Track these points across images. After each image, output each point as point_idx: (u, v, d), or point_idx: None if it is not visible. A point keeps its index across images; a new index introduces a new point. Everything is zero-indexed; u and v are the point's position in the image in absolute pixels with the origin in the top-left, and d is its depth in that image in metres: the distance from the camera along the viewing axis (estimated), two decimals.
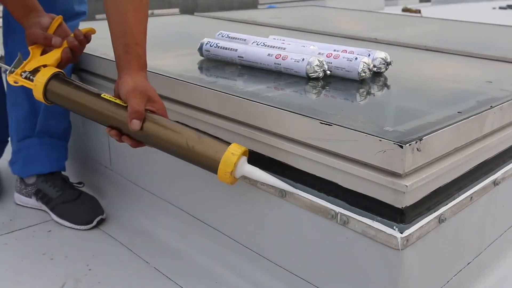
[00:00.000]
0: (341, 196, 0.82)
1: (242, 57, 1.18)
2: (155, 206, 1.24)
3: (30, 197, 1.33)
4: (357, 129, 0.77)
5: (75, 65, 1.34)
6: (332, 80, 1.09)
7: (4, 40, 1.28)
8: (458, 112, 0.89)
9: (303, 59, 1.08)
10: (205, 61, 1.26)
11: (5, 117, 1.35)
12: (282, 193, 0.89)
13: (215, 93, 0.98)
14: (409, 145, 0.72)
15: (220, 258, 1.07)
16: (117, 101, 0.92)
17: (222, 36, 1.35)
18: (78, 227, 1.24)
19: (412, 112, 0.94)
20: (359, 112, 0.95)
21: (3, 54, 1.30)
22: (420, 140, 0.74)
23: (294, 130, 0.86)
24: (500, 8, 5.61)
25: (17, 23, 1.09)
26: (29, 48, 1.05)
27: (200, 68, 1.23)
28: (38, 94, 0.99)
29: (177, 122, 0.91)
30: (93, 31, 1.09)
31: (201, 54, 1.27)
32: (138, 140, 0.91)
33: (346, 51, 1.15)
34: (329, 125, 0.80)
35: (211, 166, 0.85)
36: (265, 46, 1.22)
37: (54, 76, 0.99)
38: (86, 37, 1.07)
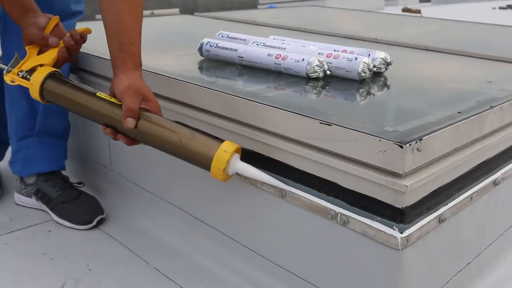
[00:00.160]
0: (341, 196, 0.82)
1: (242, 57, 1.18)
2: (155, 206, 1.24)
3: (30, 197, 1.33)
4: (357, 129, 0.77)
5: (74, 64, 1.34)
6: (332, 80, 1.09)
7: (1, 40, 1.29)
8: (458, 112, 0.89)
9: (303, 59, 1.08)
10: (205, 61, 1.26)
11: (5, 117, 1.35)
12: (282, 193, 0.89)
13: (215, 93, 0.98)
14: (409, 145, 0.72)
15: (220, 258, 1.07)
16: (112, 99, 0.94)
17: (222, 36, 1.35)
18: (78, 227, 1.24)
19: (412, 112, 0.94)
20: (359, 112, 0.95)
21: (0, 54, 1.31)
22: (420, 140, 0.74)
23: (294, 130, 0.86)
24: (500, 8, 5.61)
25: (14, 23, 1.10)
26: (26, 48, 1.06)
27: (200, 68, 1.23)
28: (35, 93, 1.00)
29: (171, 120, 0.92)
30: (89, 31, 1.10)
31: (201, 54, 1.27)
32: (133, 138, 0.92)
33: (346, 51, 1.15)
34: (329, 125, 0.80)
35: (204, 163, 0.86)
36: (265, 46, 1.22)
37: (51, 76, 1.00)
38: (82, 37, 1.08)
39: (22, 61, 1.04)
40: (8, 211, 1.34)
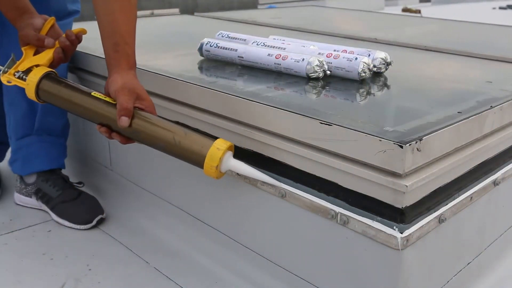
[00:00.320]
0: (341, 196, 0.82)
1: (242, 57, 1.18)
2: (155, 206, 1.24)
3: (30, 197, 1.33)
4: (357, 129, 0.77)
5: (75, 64, 1.34)
6: (332, 80, 1.09)
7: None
8: (458, 112, 0.89)
9: (303, 59, 1.08)
10: (205, 61, 1.26)
11: (5, 118, 1.35)
12: (282, 193, 0.89)
13: (215, 93, 0.98)
14: (409, 145, 0.72)
15: (220, 258, 1.07)
16: (107, 99, 0.95)
17: (222, 36, 1.35)
18: (78, 226, 1.24)
19: (412, 112, 0.94)
20: (359, 112, 0.95)
21: None
22: (420, 140, 0.74)
23: (294, 130, 0.86)
24: (500, 8, 5.61)
25: (11, 25, 1.11)
26: (22, 48, 1.08)
27: (200, 68, 1.23)
28: (31, 93, 1.02)
29: (165, 119, 0.93)
30: (84, 32, 1.12)
31: (201, 54, 1.27)
32: (127, 137, 0.94)
33: (346, 51, 1.15)
34: (329, 125, 0.80)
35: (197, 161, 0.87)
36: (265, 46, 1.22)
37: (46, 76, 1.02)
38: (78, 38, 1.10)
39: (18, 62, 1.05)
40: (8, 211, 1.34)
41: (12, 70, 1.05)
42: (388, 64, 1.14)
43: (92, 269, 1.09)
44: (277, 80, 1.10)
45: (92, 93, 0.97)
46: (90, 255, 1.14)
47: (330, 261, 0.86)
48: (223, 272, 1.05)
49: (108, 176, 1.40)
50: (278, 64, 1.12)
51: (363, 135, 0.76)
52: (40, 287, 1.04)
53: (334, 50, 1.16)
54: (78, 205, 1.27)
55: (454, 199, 0.86)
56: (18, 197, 1.36)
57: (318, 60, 1.08)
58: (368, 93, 1.05)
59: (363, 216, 0.79)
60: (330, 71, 1.09)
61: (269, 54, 1.14)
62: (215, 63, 1.24)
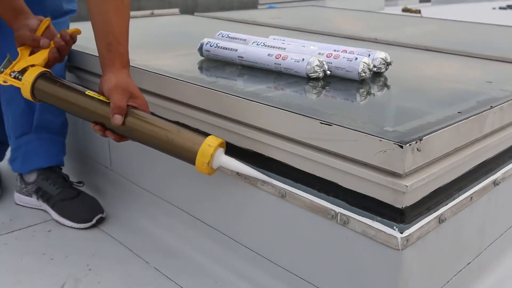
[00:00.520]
0: (341, 196, 0.82)
1: (242, 57, 1.18)
2: (155, 206, 1.24)
3: (31, 196, 1.33)
4: (357, 129, 0.77)
5: (72, 63, 1.35)
6: (332, 80, 1.09)
7: None
8: (458, 112, 0.89)
9: (303, 59, 1.08)
10: (205, 61, 1.26)
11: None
12: (282, 194, 0.89)
13: (215, 93, 0.98)
14: (409, 145, 0.72)
15: (220, 258, 1.07)
16: (101, 97, 0.96)
17: (222, 36, 1.35)
18: (78, 225, 1.24)
19: (412, 112, 0.94)
20: (359, 112, 0.95)
21: None
22: (420, 140, 0.74)
23: (294, 130, 0.86)
24: (500, 8, 5.61)
25: (7, 26, 1.13)
26: (18, 49, 1.10)
27: (200, 68, 1.23)
28: (26, 93, 1.04)
29: (158, 116, 0.95)
30: (78, 32, 1.15)
31: (201, 54, 1.27)
32: (121, 135, 0.95)
33: (346, 51, 1.15)
34: (329, 125, 0.80)
35: (189, 157, 0.89)
36: (265, 46, 1.22)
37: (41, 75, 1.04)
38: (72, 38, 1.13)
39: (14, 62, 1.08)
40: (8, 211, 1.34)
41: (8, 70, 1.07)
42: (388, 64, 1.14)
43: (92, 269, 1.09)
44: (277, 80, 1.10)
45: (87, 92, 0.98)
46: (90, 255, 1.14)
47: (330, 261, 0.86)
48: (223, 272, 1.05)
49: (108, 176, 1.40)
50: (278, 64, 1.12)
51: (363, 135, 0.76)
52: (40, 287, 1.04)
53: (334, 50, 1.16)
54: (78, 204, 1.27)
55: (454, 199, 0.86)
56: (18, 197, 1.36)
57: (318, 60, 1.08)
58: (368, 93, 1.05)
59: (363, 216, 0.79)
60: (330, 71, 1.09)
61: (269, 54, 1.14)
62: (215, 63, 1.24)
